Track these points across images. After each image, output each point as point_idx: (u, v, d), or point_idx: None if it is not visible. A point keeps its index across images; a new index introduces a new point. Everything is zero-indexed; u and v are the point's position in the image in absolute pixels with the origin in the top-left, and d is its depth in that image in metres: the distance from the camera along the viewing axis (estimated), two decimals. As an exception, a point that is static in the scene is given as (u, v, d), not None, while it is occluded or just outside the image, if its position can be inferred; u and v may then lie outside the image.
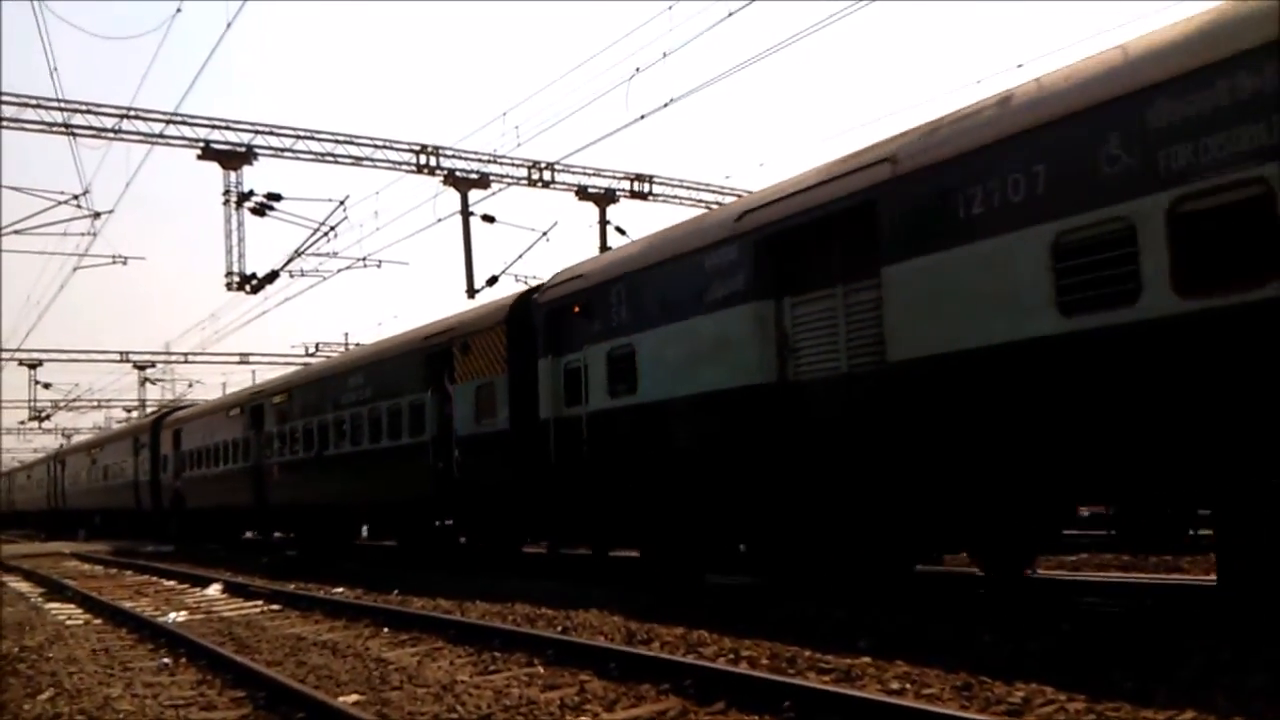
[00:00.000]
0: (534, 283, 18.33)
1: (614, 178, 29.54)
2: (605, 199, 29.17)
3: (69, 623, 13.70)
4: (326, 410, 23.85)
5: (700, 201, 30.30)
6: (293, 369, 36.90)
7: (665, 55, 19.90)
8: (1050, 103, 8.53)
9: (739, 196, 23.62)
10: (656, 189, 30.10)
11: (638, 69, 19.84)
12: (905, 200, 9.61)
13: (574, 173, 28.79)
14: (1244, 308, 7.08)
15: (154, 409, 57.80)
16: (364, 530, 26.11)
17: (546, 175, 28.34)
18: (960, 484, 9.32)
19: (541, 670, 8.40)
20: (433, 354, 19.12)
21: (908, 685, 6.93)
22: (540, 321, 15.57)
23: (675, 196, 30.48)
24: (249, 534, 33.94)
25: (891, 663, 7.52)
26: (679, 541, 13.33)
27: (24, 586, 20.47)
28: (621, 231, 27.02)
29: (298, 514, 26.78)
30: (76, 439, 66.01)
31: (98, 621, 13.83)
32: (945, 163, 9.27)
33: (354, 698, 7.62)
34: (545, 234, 25.77)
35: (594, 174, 29.16)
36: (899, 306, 9.59)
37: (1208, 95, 7.35)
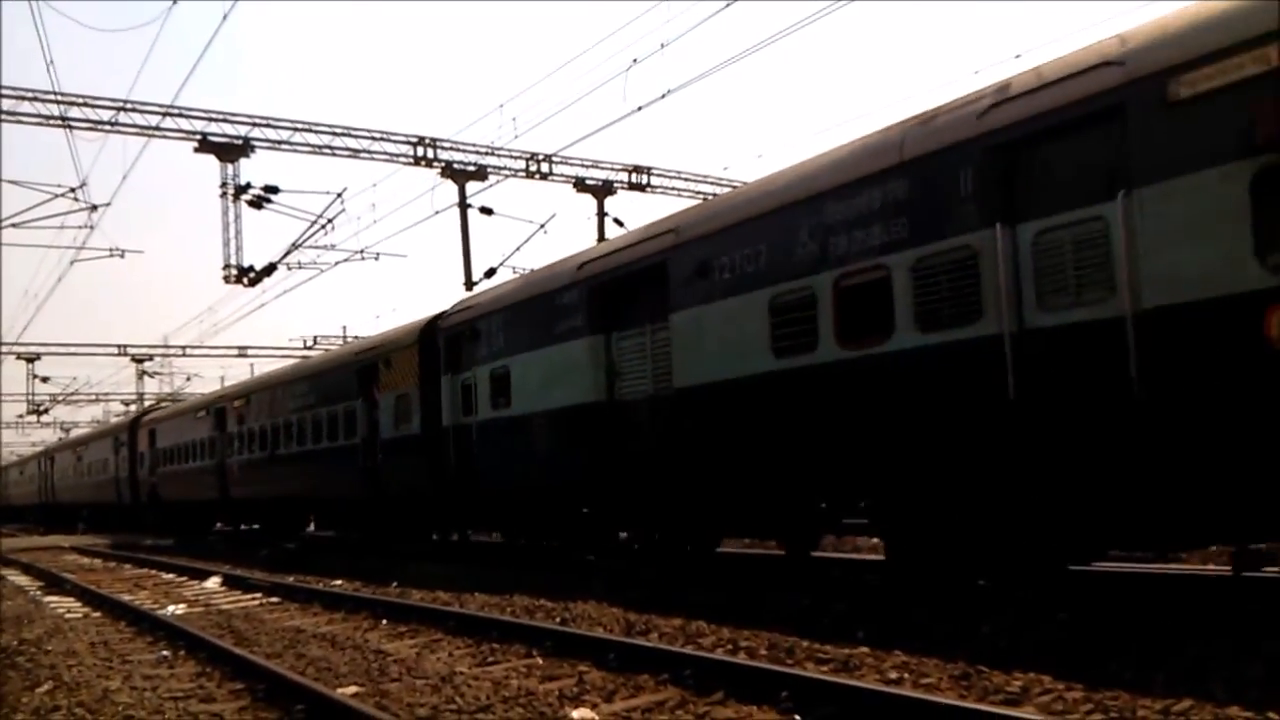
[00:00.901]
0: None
1: (612, 169, 29.55)
2: (603, 191, 29.18)
3: (68, 616, 13.71)
4: (279, 414, 26.17)
5: (698, 193, 30.28)
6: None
7: (663, 46, 19.95)
8: (769, 198, 11.21)
9: (736, 187, 24.60)
10: (654, 181, 30.12)
11: (635, 60, 19.86)
12: (684, 263, 12.21)
13: (572, 164, 28.80)
14: (875, 356, 9.71)
15: (151, 403, 57.87)
16: (310, 523, 29.22)
17: (544, 167, 28.35)
18: (726, 481, 11.78)
19: (540, 661, 8.42)
20: (363, 368, 21.45)
21: (906, 675, 6.94)
22: (442, 343, 18.26)
23: (673, 188, 30.49)
24: (218, 525, 35.78)
25: (890, 653, 7.53)
26: (547, 528, 16.44)
27: (23, 580, 20.50)
28: (619, 223, 27.02)
29: (256, 507, 29.38)
30: (64, 437, 66.91)
31: (96, 615, 13.84)
32: (706, 237, 11.95)
33: (353, 689, 7.63)
34: (543, 226, 25.78)
35: (592, 166, 29.17)
36: (680, 344, 12.26)
37: (855, 203, 9.94)
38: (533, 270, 17.40)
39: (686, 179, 30.66)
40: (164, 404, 49.94)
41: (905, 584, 10.03)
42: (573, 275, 14.49)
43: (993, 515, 9.06)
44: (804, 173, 10.96)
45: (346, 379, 22.30)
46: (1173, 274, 7.41)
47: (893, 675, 6.96)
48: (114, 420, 59.94)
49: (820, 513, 11.34)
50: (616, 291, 13.63)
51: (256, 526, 31.98)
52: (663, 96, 20.09)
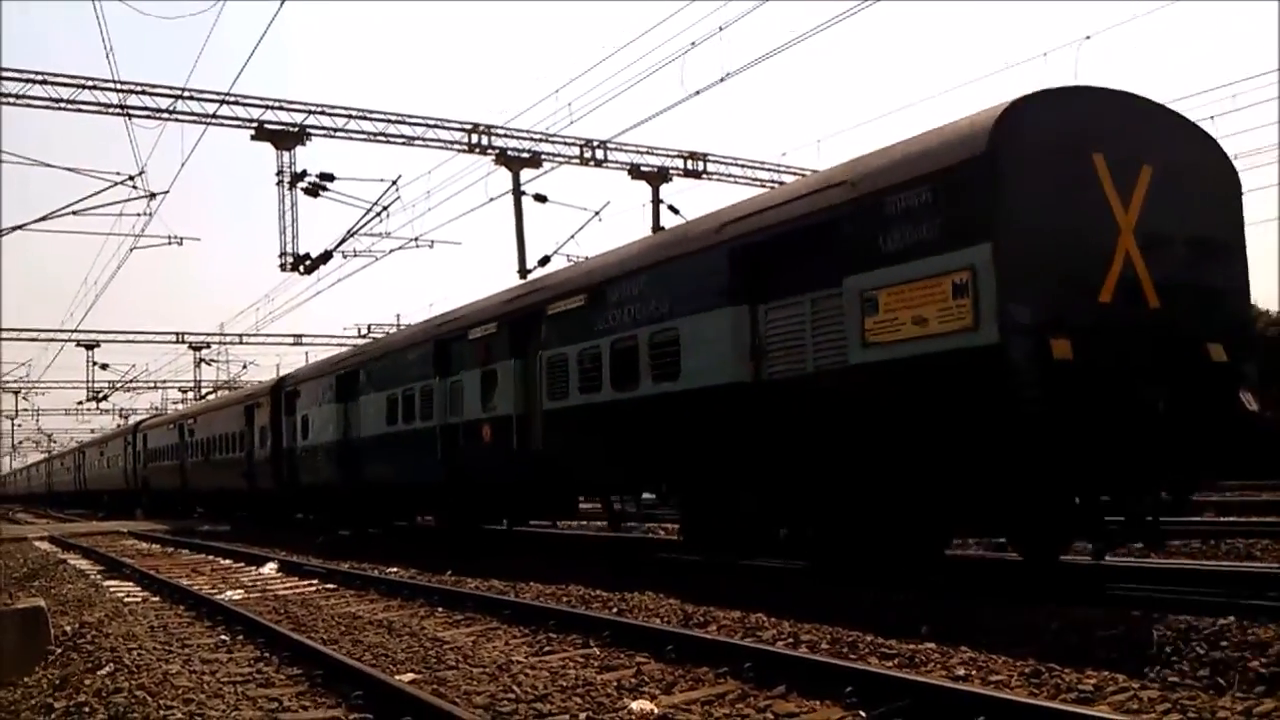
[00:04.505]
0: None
1: (667, 156, 29.33)
2: (658, 178, 28.96)
3: (127, 600, 13.84)
4: (215, 429, 36.28)
5: (756, 180, 30.00)
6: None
7: (721, 30, 19.54)
8: (580, 278, 15.88)
9: (799, 174, 27.98)
10: (710, 167, 29.85)
11: (693, 44, 19.64)
12: (551, 321, 15.94)
13: (627, 151, 28.63)
14: (636, 398, 13.72)
15: (208, 389, 58.70)
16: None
17: (599, 154, 28.21)
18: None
19: (597, 651, 8.33)
20: (249, 406, 32.48)
21: (973, 671, 6.78)
22: (284, 396, 29.40)
23: (730, 175, 30.21)
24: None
25: (956, 648, 7.36)
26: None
27: (83, 564, 20.79)
28: (675, 210, 26.82)
29: (215, 497, 38.23)
30: (97, 434, 72.76)
31: (155, 599, 13.97)
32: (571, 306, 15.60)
33: (410, 676, 7.59)
34: (597, 214, 25.71)
35: (646, 152, 28.97)
36: (542, 377, 16.12)
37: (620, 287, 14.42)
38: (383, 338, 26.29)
39: (743, 165, 30.36)
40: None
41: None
42: (427, 332, 21.14)
43: (729, 498, 12.68)
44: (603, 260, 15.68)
45: (236, 415, 33.25)
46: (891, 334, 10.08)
47: (960, 671, 6.80)
48: (175, 407, 60.95)
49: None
50: (508, 330, 17.47)
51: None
52: (720, 81, 19.88)
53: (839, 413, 10.62)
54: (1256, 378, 10.31)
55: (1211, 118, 22.93)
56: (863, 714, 6.06)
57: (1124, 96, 10.32)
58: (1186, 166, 10.30)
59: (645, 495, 16.56)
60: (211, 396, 53.40)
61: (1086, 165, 9.52)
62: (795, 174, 29.09)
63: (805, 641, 8.03)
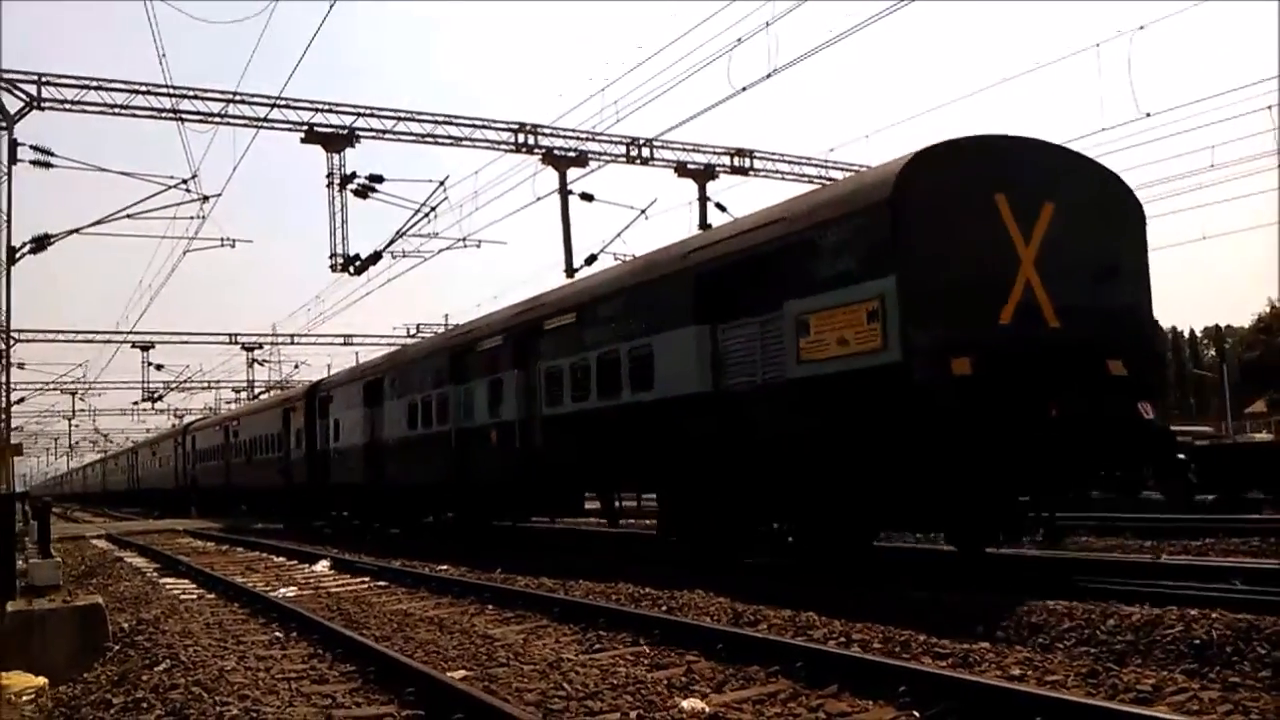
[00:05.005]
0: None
1: (714, 153, 29.21)
2: (705, 175, 28.85)
3: (183, 597, 14.04)
4: (257, 430, 38.60)
5: (803, 176, 29.80)
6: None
7: (768, 25, 19.40)
8: (571, 298, 17.32)
9: (846, 170, 28.50)
10: (757, 164, 29.68)
11: (739, 40, 19.49)
12: (548, 336, 17.35)
13: (673, 149, 28.54)
14: (619, 405, 15.08)
15: (260, 389, 59.41)
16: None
17: (645, 152, 28.15)
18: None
19: (647, 650, 8.33)
20: (286, 410, 34.70)
21: (1029, 671, 6.70)
22: (317, 401, 31.10)
23: (777, 172, 30.02)
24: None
25: (1011, 648, 7.29)
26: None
27: (140, 561, 21.12)
28: (722, 208, 26.74)
29: (255, 495, 39.84)
30: (152, 433, 74.60)
31: (210, 596, 14.16)
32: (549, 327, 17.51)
33: (462, 673, 7.63)
34: (644, 211, 25.70)
35: (693, 150, 28.87)
36: (541, 386, 17.41)
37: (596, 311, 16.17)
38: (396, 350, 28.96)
39: (790, 162, 30.16)
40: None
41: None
42: (441, 342, 23.18)
43: (697, 493, 13.93)
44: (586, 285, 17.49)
45: (275, 417, 36.19)
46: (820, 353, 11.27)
47: (1015, 671, 6.72)
48: (230, 406, 61.72)
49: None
50: (513, 342, 18.75)
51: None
52: (767, 77, 19.70)
53: (781, 421, 11.93)
54: (1156, 389, 11.84)
55: (1269, 108, 22.48)
56: (916, 714, 6.01)
57: (1029, 143, 11.63)
58: (1088, 201, 11.51)
59: (647, 495, 18.52)
60: (265, 396, 54.22)
61: (989, 205, 10.78)
62: (843, 170, 28.87)
63: (857, 641, 7.97)
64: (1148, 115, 21.82)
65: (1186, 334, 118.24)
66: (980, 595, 9.29)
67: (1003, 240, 10.77)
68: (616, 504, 19.63)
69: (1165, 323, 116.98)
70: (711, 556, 13.53)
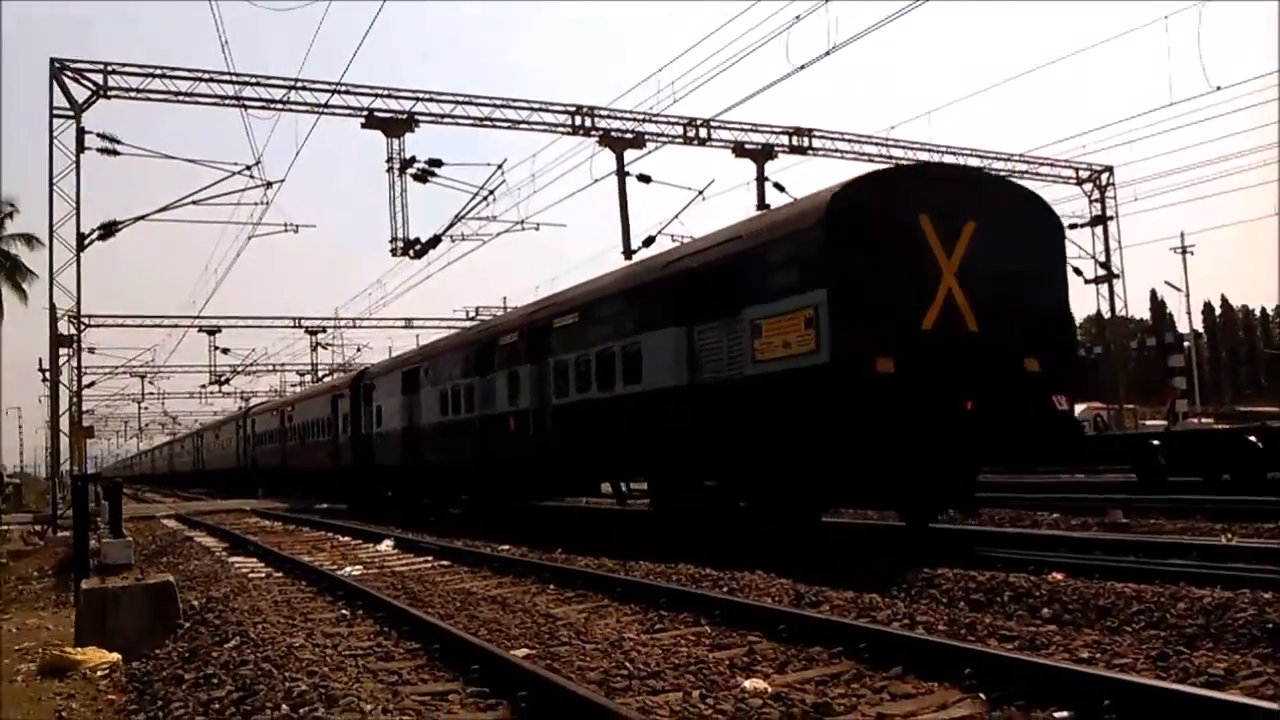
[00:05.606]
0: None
1: (772, 133, 28.99)
2: (763, 155, 28.65)
3: (251, 575, 14.27)
4: (309, 415, 40.59)
5: (863, 155, 29.47)
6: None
7: (826, 1, 19.21)
8: (576, 299, 18.76)
9: (908, 148, 29.16)
10: (816, 143, 29.42)
11: (797, 18, 19.32)
12: (557, 332, 18.88)
13: (730, 129, 28.39)
14: (614, 397, 16.63)
15: (324, 372, 60.21)
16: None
17: (702, 133, 28.05)
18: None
19: (709, 630, 8.33)
20: (335, 396, 36.25)
21: (1098, 654, 6.59)
22: (362, 389, 32.63)
23: (836, 150, 29.72)
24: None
25: (1079, 631, 7.19)
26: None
27: (209, 541, 21.52)
28: (780, 188, 26.53)
29: (307, 475, 40.95)
30: (207, 421, 77.75)
31: (278, 575, 14.38)
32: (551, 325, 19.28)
33: (524, 651, 7.68)
34: (701, 193, 25.59)
35: (751, 130, 28.68)
36: (551, 379, 18.86)
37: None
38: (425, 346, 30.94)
39: (850, 140, 29.83)
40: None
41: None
42: (473, 335, 24.79)
43: (679, 475, 15.74)
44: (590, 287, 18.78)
45: (326, 403, 38.02)
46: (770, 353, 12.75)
47: (1083, 654, 6.61)
48: (292, 389, 62.60)
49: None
50: (522, 339, 20.37)
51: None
52: (826, 54, 19.51)
53: (739, 412, 13.48)
54: (1069, 383, 13.29)
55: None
56: (982, 696, 5.93)
57: (954, 170, 14.31)
58: (1007, 219, 13.00)
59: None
60: (327, 379, 54.92)
61: (913, 225, 12.19)
62: (904, 148, 28.55)
63: (921, 623, 7.90)
64: (1218, 89, 21.27)
65: (1259, 312, 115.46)
66: (1047, 578, 9.17)
67: (926, 255, 12.15)
68: (625, 486, 21.31)
69: (1235, 302, 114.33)
70: (697, 532, 14.89)
